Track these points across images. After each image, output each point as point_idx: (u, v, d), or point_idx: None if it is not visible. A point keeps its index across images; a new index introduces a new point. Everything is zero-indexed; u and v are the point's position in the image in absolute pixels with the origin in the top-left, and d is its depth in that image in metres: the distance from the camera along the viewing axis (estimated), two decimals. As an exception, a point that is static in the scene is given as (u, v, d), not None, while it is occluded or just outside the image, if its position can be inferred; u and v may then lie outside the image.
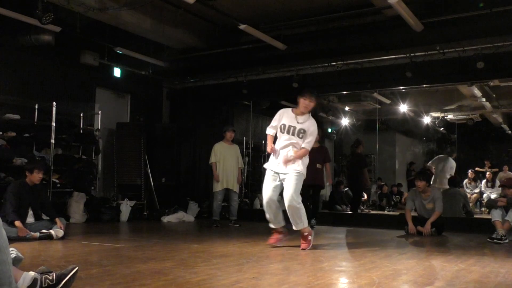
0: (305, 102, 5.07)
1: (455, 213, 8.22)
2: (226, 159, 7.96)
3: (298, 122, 5.07)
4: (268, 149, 5.12)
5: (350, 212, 9.68)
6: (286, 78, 9.45)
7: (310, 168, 7.97)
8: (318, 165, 7.89)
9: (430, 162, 11.33)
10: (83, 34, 8.13)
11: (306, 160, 5.18)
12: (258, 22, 8.39)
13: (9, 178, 7.05)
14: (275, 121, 5.21)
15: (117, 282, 3.07)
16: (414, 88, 10.42)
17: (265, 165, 5.28)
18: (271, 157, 5.18)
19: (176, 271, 3.51)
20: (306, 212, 8.49)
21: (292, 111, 5.17)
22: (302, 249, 4.90)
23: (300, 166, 5.04)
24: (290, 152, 5.02)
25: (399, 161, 14.55)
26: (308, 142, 5.07)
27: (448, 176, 10.18)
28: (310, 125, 5.09)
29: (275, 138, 5.25)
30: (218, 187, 7.92)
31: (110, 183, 9.42)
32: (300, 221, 4.98)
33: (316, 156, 7.95)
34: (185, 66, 9.97)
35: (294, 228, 5.02)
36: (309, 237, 5.02)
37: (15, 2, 7.06)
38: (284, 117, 5.13)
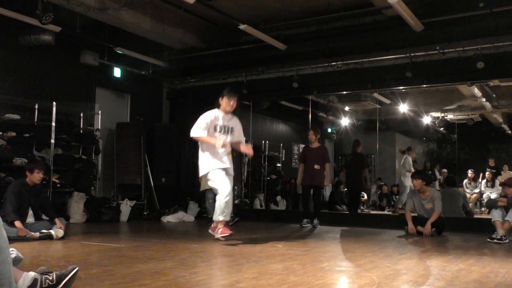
0: (230, 103, 5.46)
1: (454, 213, 8.22)
2: None
3: (227, 121, 5.53)
4: (220, 143, 5.21)
5: (350, 212, 9.65)
6: (286, 78, 9.45)
7: (308, 169, 8.03)
8: (316, 166, 7.89)
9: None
10: (83, 34, 8.13)
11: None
12: (258, 22, 8.39)
13: (9, 178, 7.05)
14: (204, 123, 5.39)
15: (117, 282, 3.07)
16: (414, 88, 10.43)
17: (211, 167, 5.38)
18: (210, 158, 5.40)
19: (176, 271, 3.51)
20: (308, 212, 8.53)
21: (219, 111, 5.51)
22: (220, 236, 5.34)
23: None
24: (228, 148, 5.46)
25: (399, 161, 14.54)
26: (241, 134, 5.70)
27: (406, 173, 10.39)
28: (236, 122, 5.66)
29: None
30: (204, 186, 7.75)
31: (110, 183, 9.42)
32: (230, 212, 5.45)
33: (314, 157, 7.96)
34: (185, 66, 9.97)
35: (222, 218, 5.30)
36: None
37: (15, 2, 7.07)
38: (215, 118, 5.45)
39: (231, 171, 5.50)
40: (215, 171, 5.34)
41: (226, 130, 5.48)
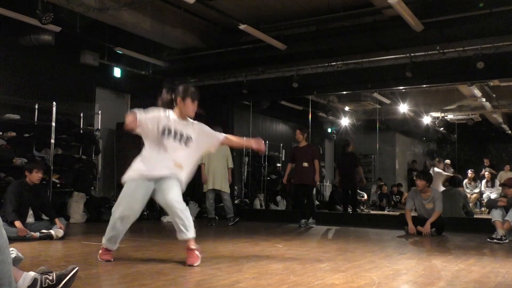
0: (193, 106, 4.09)
1: (455, 213, 8.22)
2: (212, 160, 8.10)
3: (183, 128, 4.04)
4: (131, 119, 3.93)
5: (350, 212, 9.65)
6: (286, 78, 9.45)
7: (297, 167, 8.06)
8: (305, 164, 7.91)
9: None
10: (83, 34, 8.12)
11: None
12: (258, 22, 8.39)
13: (9, 178, 7.05)
14: (151, 114, 4.04)
15: (117, 282, 3.07)
16: (414, 88, 10.43)
17: (137, 174, 4.00)
18: (141, 165, 4.04)
19: (176, 271, 3.51)
20: (302, 212, 8.46)
21: (173, 113, 4.08)
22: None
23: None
24: (180, 159, 4.00)
25: (399, 161, 14.56)
26: (211, 143, 4.25)
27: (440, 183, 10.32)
28: (200, 129, 4.16)
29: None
30: (205, 188, 8.17)
31: (110, 183, 9.42)
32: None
33: (303, 155, 7.99)
34: (185, 66, 9.97)
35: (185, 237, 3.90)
36: None
37: (15, 2, 7.06)
38: (165, 117, 4.03)
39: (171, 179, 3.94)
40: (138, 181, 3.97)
41: (181, 138, 4.00)
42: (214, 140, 4.25)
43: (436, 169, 10.85)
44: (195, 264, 3.74)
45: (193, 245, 3.86)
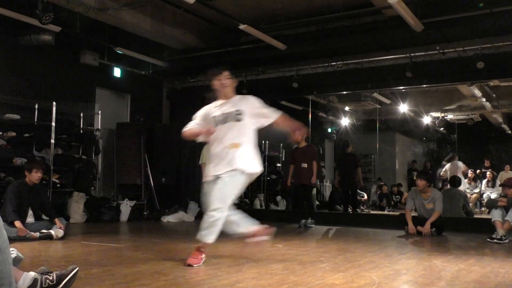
0: (220, 82, 4.07)
1: (455, 213, 8.22)
2: None
3: (226, 107, 4.03)
4: (205, 130, 3.97)
5: (350, 212, 9.66)
6: (286, 78, 9.45)
7: (297, 168, 8.10)
8: (304, 165, 7.96)
9: None
10: (83, 34, 8.13)
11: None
12: (258, 22, 8.39)
13: (9, 178, 7.06)
14: (201, 117, 4.19)
15: (117, 282, 3.07)
16: (414, 88, 10.43)
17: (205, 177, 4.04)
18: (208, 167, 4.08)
19: (176, 271, 3.51)
20: (301, 212, 8.45)
21: (215, 103, 4.16)
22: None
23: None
24: (230, 142, 3.92)
25: (399, 161, 14.54)
26: (260, 113, 4.06)
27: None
28: (243, 102, 4.05)
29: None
30: None
31: (110, 183, 9.42)
32: None
33: (302, 156, 8.03)
34: (185, 66, 9.98)
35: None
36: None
37: (15, 2, 7.07)
38: (207, 111, 4.15)
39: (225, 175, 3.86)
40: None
41: (228, 117, 3.97)
42: (263, 119, 4.10)
43: (459, 163, 11.21)
44: (193, 265, 3.71)
45: (202, 248, 3.85)
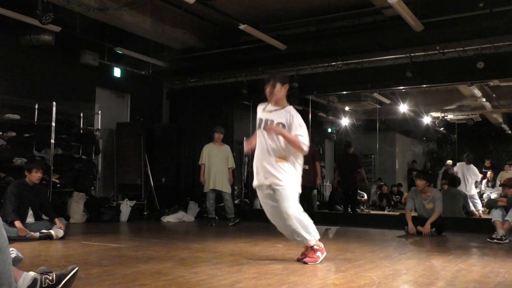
0: (268, 92, 4.12)
1: (455, 213, 8.22)
2: (213, 160, 8.16)
3: (269, 114, 4.11)
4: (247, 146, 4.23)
5: (350, 212, 9.66)
6: (286, 78, 9.43)
7: None
8: (305, 166, 7.94)
9: None
10: (83, 34, 8.12)
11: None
12: (258, 22, 8.39)
13: (9, 178, 7.05)
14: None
15: (117, 282, 3.07)
16: (414, 88, 10.42)
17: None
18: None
19: (176, 271, 3.51)
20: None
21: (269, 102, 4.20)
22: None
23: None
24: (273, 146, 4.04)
25: (399, 161, 14.55)
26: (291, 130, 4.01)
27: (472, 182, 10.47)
28: (284, 115, 4.04)
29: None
30: (205, 188, 8.20)
31: (110, 183, 9.42)
32: None
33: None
34: (185, 66, 9.97)
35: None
36: None
37: (15, 2, 7.06)
38: (260, 111, 4.22)
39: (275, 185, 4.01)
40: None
41: (265, 124, 4.07)
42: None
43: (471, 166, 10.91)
44: (308, 263, 3.99)
45: (317, 246, 4.15)
